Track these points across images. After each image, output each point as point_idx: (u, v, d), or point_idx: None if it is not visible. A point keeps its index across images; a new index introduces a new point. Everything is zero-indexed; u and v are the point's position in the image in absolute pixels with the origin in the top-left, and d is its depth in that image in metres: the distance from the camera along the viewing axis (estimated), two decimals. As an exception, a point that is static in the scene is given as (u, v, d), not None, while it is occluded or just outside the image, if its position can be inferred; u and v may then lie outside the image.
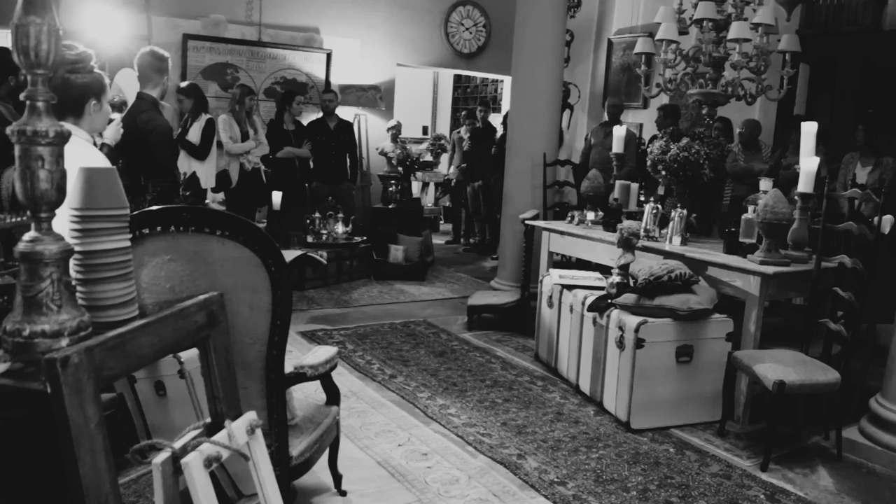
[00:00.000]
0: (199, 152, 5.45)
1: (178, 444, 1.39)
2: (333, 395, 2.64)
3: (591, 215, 4.77)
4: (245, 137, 6.16)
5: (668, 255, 3.89)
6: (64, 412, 1.14)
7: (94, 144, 2.48)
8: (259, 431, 1.56)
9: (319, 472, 2.73)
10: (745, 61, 4.33)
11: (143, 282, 1.89)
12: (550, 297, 4.26)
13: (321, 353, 2.51)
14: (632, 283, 3.61)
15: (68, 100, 2.20)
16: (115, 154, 3.37)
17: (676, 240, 4.07)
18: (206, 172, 5.33)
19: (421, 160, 8.67)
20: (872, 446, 3.24)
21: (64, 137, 1.38)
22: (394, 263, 6.75)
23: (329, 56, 7.67)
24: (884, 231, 3.49)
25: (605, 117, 7.14)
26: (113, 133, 3.32)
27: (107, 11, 5.99)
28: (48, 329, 1.36)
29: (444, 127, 11.59)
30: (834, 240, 3.66)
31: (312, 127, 6.91)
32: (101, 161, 2.24)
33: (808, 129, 3.69)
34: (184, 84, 5.94)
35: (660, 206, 4.35)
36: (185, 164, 5.18)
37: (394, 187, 7.40)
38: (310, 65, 7.64)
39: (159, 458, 1.35)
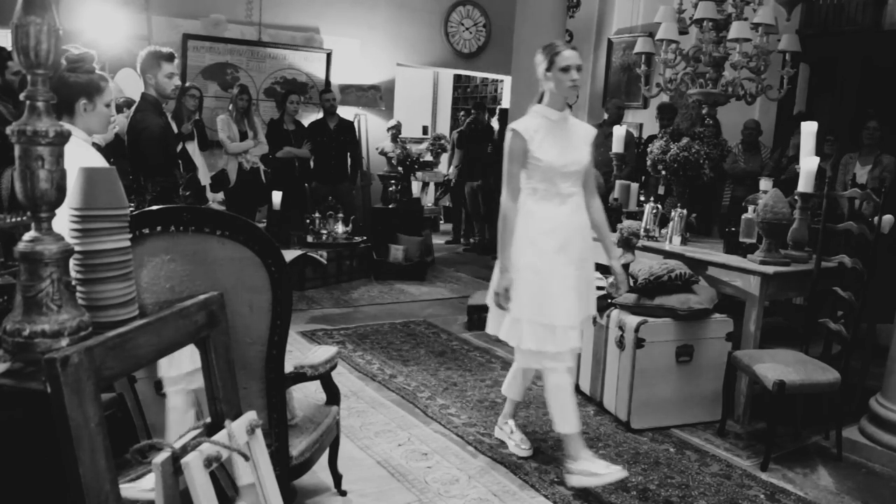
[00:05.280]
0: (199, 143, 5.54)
1: (178, 444, 1.39)
2: (333, 395, 2.64)
3: (591, 215, 4.76)
4: (244, 137, 6.16)
5: (668, 254, 3.89)
6: (64, 412, 1.14)
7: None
8: (259, 431, 1.56)
9: (319, 472, 2.73)
10: (745, 61, 4.33)
11: (143, 282, 1.89)
12: (550, 296, 4.25)
13: (321, 353, 2.51)
14: (632, 283, 3.61)
15: (59, 98, 2.19)
16: (105, 153, 3.36)
17: (676, 240, 4.07)
18: (201, 170, 5.36)
19: (421, 160, 8.68)
20: (872, 446, 3.24)
21: (64, 137, 1.37)
22: (394, 263, 6.75)
23: (329, 56, 7.67)
24: (884, 231, 3.49)
25: (605, 116, 7.13)
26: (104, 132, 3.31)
27: (107, 11, 5.99)
28: (48, 329, 1.36)
29: (444, 127, 11.59)
30: (834, 240, 3.66)
31: (313, 127, 6.91)
32: (100, 161, 2.24)
33: (809, 129, 3.69)
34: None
35: (660, 206, 4.35)
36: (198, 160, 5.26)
37: (394, 187, 7.40)
38: (310, 65, 7.64)
39: (159, 458, 1.35)
